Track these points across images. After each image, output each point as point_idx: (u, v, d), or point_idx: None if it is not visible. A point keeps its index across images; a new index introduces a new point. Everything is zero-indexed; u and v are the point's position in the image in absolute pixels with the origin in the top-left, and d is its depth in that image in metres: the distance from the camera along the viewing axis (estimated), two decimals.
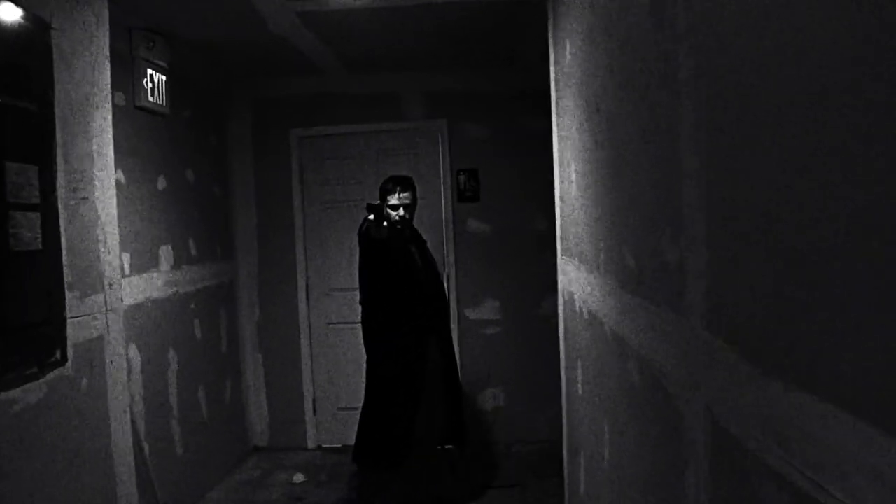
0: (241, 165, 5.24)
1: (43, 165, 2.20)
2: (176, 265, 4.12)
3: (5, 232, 2.00)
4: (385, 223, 3.68)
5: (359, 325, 4.19)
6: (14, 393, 2.07)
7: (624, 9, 1.73)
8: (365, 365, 4.06)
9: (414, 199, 3.96)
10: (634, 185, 1.68)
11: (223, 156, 5.02)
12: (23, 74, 2.11)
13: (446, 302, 4.17)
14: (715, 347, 1.15)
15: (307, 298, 5.32)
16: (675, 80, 1.29)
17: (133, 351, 3.59)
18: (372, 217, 3.69)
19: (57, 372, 2.28)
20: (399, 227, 3.86)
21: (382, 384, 3.87)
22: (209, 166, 4.71)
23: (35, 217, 2.15)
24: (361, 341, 4.13)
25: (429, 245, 4.15)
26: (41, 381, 2.19)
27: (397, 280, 3.84)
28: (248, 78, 5.14)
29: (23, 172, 2.08)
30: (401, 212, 3.87)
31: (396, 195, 3.88)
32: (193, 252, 4.39)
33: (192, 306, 4.33)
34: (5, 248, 1.99)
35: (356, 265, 4.15)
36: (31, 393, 2.14)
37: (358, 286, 4.09)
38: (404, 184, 3.93)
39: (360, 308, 4.08)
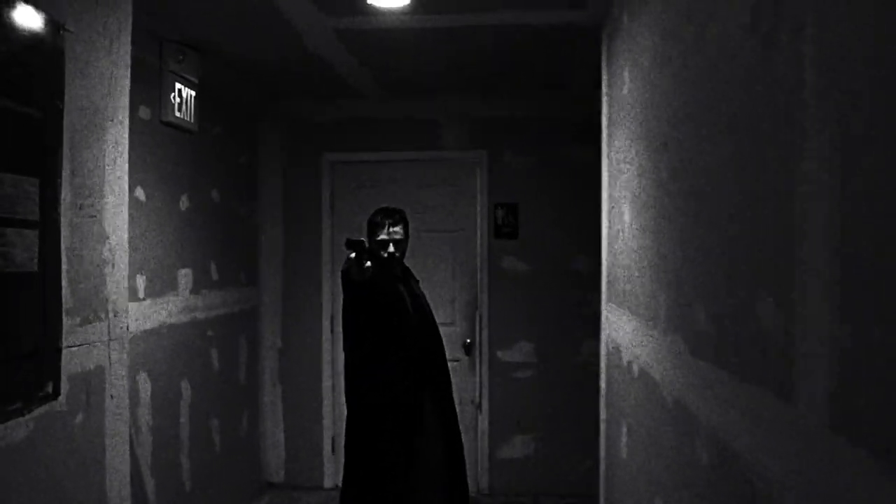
0: (269, 188, 5.05)
1: (45, 178, 1.99)
2: (195, 290, 3.91)
3: None
4: (369, 262, 3.22)
5: None
6: None
7: (708, 31, 1.48)
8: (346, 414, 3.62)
9: (406, 234, 3.60)
10: (715, 232, 1.42)
11: (251, 177, 4.83)
12: (27, 77, 1.91)
13: (441, 348, 3.72)
14: (844, 453, 0.87)
15: (332, 331, 5.07)
16: (790, 112, 1.03)
17: (143, 379, 3.37)
18: (354, 255, 3.23)
19: (47, 407, 2.05)
20: (387, 265, 3.48)
21: (368, 413, 3.49)
22: (236, 187, 4.52)
23: (32, 235, 1.93)
24: None
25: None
26: (27, 417, 1.96)
27: (384, 325, 3.47)
28: (282, 97, 4.97)
29: (19, 185, 1.87)
30: (390, 248, 3.51)
31: (386, 230, 3.51)
32: (215, 276, 4.18)
33: (210, 333, 4.11)
34: None
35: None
36: (13, 431, 1.91)
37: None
38: (395, 217, 3.56)
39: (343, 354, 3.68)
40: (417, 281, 3.78)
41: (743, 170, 1.24)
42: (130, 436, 3.23)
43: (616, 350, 2.79)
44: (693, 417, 1.59)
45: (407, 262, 4.67)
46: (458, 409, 5.01)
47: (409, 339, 3.51)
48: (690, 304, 1.60)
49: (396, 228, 3.54)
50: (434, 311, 4.92)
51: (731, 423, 1.31)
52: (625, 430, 2.59)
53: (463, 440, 5.00)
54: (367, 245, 3.26)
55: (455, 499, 3.61)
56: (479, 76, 4.44)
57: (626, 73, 2.62)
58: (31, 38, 1.93)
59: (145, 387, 3.39)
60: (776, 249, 1.08)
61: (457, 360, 5.01)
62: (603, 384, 3.13)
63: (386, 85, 4.65)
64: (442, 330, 4.99)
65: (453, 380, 5.00)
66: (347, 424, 3.60)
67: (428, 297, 4.87)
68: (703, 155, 1.49)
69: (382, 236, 3.52)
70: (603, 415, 3.15)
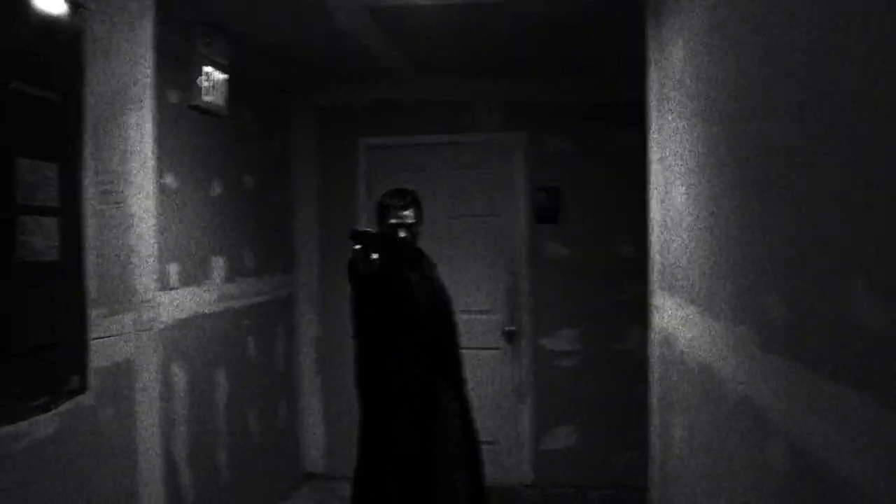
0: (304, 173, 4.95)
1: (65, 164, 1.90)
2: (229, 277, 3.83)
3: (13, 239, 1.69)
4: (375, 255, 2.94)
5: None
6: (20, 426, 1.76)
7: None
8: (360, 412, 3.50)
9: (418, 217, 3.37)
10: (792, 212, 1.26)
11: (285, 162, 4.73)
12: (44, 59, 1.81)
13: (454, 334, 3.51)
14: None
15: None
16: None
17: (177, 370, 3.30)
18: (359, 247, 2.95)
19: (74, 401, 1.97)
20: (396, 251, 3.24)
21: (380, 402, 3.36)
22: (269, 172, 4.43)
23: (52, 223, 1.84)
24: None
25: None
26: (53, 412, 1.88)
27: (393, 312, 3.28)
28: (313, 81, 4.85)
29: (38, 171, 1.78)
30: (401, 233, 3.29)
31: (396, 214, 3.29)
32: (249, 263, 4.10)
33: (246, 322, 4.04)
34: (11, 258, 1.69)
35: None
36: (39, 426, 1.83)
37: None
38: (406, 199, 3.33)
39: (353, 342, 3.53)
40: (434, 265, 3.57)
41: (832, 140, 1.08)
42: (164, 429, 3.17)
43: (669, 340, 2.63)
44: (763, 417, 1.44)
45: (442, 246, 4.54)
46: (500, 399, 4.91)
47: (419, 326, 3.35)
48: (760, 293, 1.45)
49: (407, 212, 3.32)
50: (472, 298, 4.82)
51: (814, 427, 1.16)
52: (679, 425, 2.44)
53: (505, 431, 4.90)
54: (371, 235, 3.03)
55: (475, 485, 3.48)
56: (517, 55, 4.28)
57: (678, 44, 2.44)
58: (49, 17, 1.83)
59: (179, 378, 3.32)
60: (879, 227, 0.92)
61: (497, 349, 4.88)
62: (653, 377, 2.97)
63: (421, 66, 4.51)
64: (481, 318, 4.89)
65: (493, 369, 4.89)
66: (361, 415, 3.48)
67: (465, 283, 4.77)
68: (779, 126, 1.33)
69: (393, 220, 3.31)
70: (653, 408, 2.99)
